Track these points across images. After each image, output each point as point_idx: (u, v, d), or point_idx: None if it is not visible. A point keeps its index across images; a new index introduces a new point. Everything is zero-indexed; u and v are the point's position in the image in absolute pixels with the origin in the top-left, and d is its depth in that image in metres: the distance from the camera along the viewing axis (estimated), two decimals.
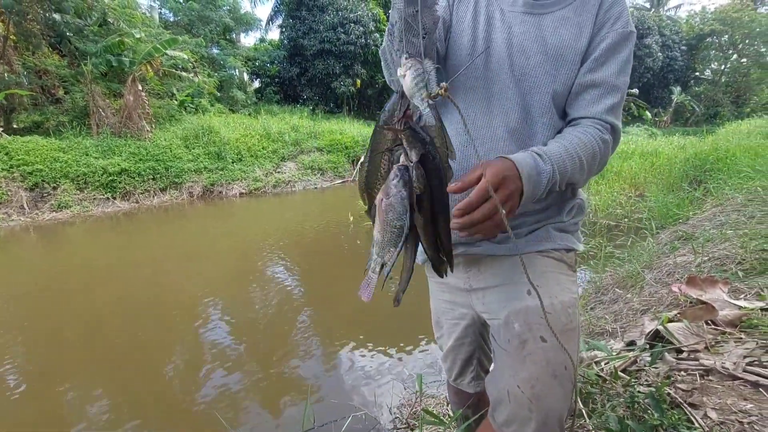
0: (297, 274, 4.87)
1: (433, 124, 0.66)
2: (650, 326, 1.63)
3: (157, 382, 2.78)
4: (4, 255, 5.94)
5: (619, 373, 1.42)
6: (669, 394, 1.23)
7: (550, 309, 0.80)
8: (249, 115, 14.16)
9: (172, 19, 15.37)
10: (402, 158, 0.67)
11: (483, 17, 0.87)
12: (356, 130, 13.88)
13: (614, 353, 1.57)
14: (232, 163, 10.61)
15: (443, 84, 0.62)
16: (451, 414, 1.40)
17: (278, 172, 11.48)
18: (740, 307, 1.64)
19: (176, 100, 11.67)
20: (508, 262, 0.87)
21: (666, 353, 1.44)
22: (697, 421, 1.11)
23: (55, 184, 8.07)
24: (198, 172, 9.91)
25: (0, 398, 2.61)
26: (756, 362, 1.30)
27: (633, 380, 1.37)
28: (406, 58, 0.65)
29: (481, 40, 0.86)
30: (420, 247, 0.75)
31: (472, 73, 0.86)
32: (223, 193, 10.03)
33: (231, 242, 6.38)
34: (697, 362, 1.37)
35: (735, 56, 25.27)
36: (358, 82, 17.42)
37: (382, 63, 0.86)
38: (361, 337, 3.20)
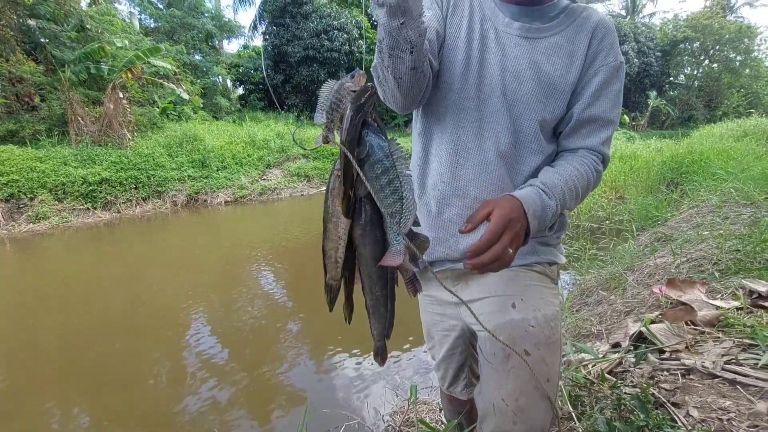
0: (284, 282, 4.84)
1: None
2: (634, 328, 1.68)
3: (141, 398, 2.72)
4: None
5: (606, 375, 1.46)
6: (653, 394, 1.28)
7: (533, 322, 0.83)
8: (233, 122, 14.01)
9: (152, 26, 15.15)
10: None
11: (477, 35, 0.86)
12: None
13: (600, 355, 1.61)
14: (217, 171, 10.47)
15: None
16: (444, 420, 1.42)
17: (264, 179, 11.38)
18: (717, 307, 1.71)
19: (158, 107, 11.48)
20: (493, 276, 0.88)
21: (649, 354, 1.49)
22: (680, 420, 1.15)
23: (32, 195, 7.82)
24: (182, 180, 9.74)
25: None
26: (733, 360, 1.36)
27: (619, 381, 1.41)
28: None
29: (475, 60, 0.85)
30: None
31: (465, 93, 0.85)
32: (208, 201, 9.88)
33: (216, 251, 6.28)
34: (678, 362, 1.42)
35: (707, 62, 26.21)
36: None
37: (375, 81, 0.82)
38: (351, 344, 3.19)
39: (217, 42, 17.13)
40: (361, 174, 0.56)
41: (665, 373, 1.40)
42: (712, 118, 23.50)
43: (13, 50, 9.30)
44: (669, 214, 4.75)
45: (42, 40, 9.52)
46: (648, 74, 24.43)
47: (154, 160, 9.60)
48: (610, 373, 1.51)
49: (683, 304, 1.77)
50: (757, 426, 1.07)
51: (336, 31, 15.99)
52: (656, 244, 3.64)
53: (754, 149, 7.69)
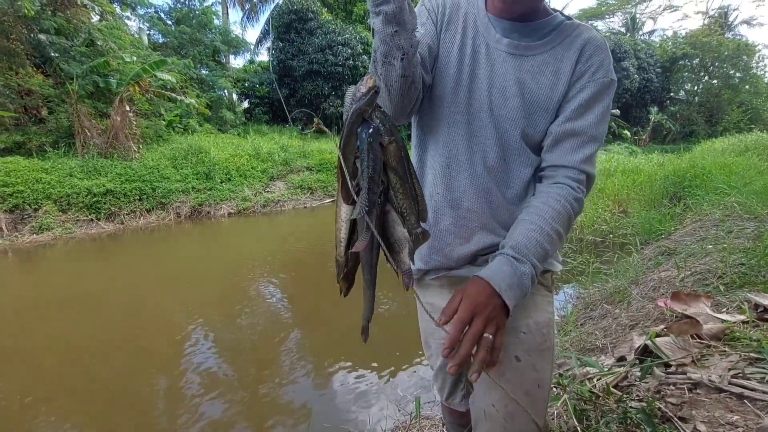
0: (287, 295, 4.82)
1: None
2: (639, 341, 1.67)
3: (141, 413, 2.69)
4: None
5: (611, 388, 1.45)
6: (660, 408, 1.26)
7: (526, 329, 0.83)
8: (238, 135, 14.17)
9: (161, 41, 15.48)
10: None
11: (469, 50, 0.87)
12: None
13: (606, 369, 1.60)
14: (221, 182, 10.55)
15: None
16: None
17: (267, 191, 11.44)
18: (723, 321, 1.69)
19: (164, 120, 11.64)
20: None
21: (655, 368, 1.47)
22: None
23: (36, 206, 7.88)
24: (186, 192, 9.81)
25: None
26: (740, 374, 1.35)
27: (625, 395, 1.39)
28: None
29: (466, 75, 0.87)
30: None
31: (456, 107, 0.87)
32: (212, 213, 9.93)
33: (218, 262, 6.29)
34: (685, 376, 1.41)
35: (706, 78, 26.50)
36: None
37: None
38: (352, 358, 3.16)
39: (223, 57, 17.46)
40: (346, 171, 0.64)
41: (671, 387, 1.39)
42: (713, 133, 23.63)
43: (23, 64, 9.50)
44: (672, 228, 4.73)
45: (52, 54, 9.73)
46: (649, 90, 24.69)
47: (159, 171, 9.69)
48: (615, 386, 1.49)
49: (688, 317, 1.75)
50: None
51: (340, 47, 16.29)
52: (660, 257, 3.63)
53: (755, 164, 7.69)
